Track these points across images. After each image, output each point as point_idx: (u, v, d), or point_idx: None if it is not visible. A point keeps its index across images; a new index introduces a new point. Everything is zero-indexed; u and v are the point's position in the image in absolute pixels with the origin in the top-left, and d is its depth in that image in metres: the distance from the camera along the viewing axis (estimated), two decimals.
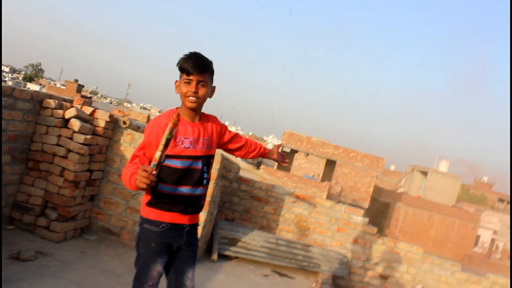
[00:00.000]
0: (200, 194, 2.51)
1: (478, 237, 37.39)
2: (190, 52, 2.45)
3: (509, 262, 37.75)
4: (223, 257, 5.55)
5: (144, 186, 2.10)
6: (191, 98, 2.42)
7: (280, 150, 3.11)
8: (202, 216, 5.02)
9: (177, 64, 2.44)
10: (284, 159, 3.07)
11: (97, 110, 4.96)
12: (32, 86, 70.42)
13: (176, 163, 2.38)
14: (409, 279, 6.53)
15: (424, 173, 40.73)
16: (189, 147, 2.41)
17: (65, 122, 4.66)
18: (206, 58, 2.47)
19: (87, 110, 4.91)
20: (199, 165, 2.46)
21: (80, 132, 4.61)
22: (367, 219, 6.67)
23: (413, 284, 6.52)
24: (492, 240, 39.16)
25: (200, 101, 2.45)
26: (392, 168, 75.09)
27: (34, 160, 4.62)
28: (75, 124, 4.60)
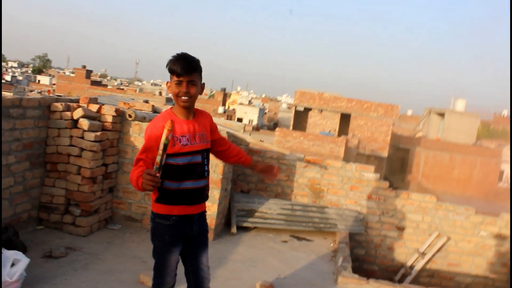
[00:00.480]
0: (203, 185, 2.73)
1: (502, 172, 37.25)
2: (178, 54, 2.59)
3: None
4: (242, 229, 5.81)
5: (151, 188, 2.32)
6: (183, 98, 2.59)
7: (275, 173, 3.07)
8: (216, 193, 5.27)
9: (167, 66, 2.59)
10: (270, 175, 3.06)
11: (103, 106, 5.16)
12: (42, 78, 71.02)
13: (177, 161, 2.57)
14: (425, 227, 6.73)
15: (441, 115, 40.37)
16: (187, 144, 2.59)
17: (75, 122, 4.88)
18: (194, 58, 2.62)
19: (94, 107, 5.12)
20: (198, 159, 2.66)
21: (90, 130, 4.83)
22: (378, 175, 6.84)
23: (429, 232, 6.72)
24: None
25: (192, 100, 2.62)
26: (409, 113, 74.48)
27: (52, 163, 4.88)
28: (84, 123, 4.82)
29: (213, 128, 2.86)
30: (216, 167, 5.25)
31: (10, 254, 3.41)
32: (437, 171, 35.36)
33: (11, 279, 3.23)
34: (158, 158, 2.34)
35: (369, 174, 6.73)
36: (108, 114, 5.11)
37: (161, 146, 2.33)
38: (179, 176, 2.58)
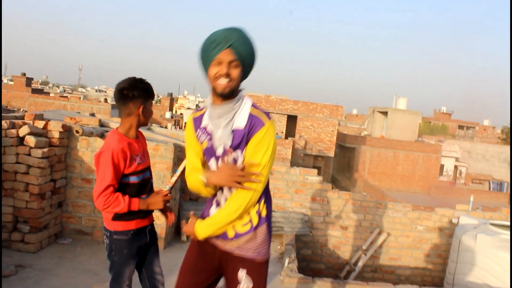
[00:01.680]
0: None
1: (442, 166, 39.13)
2: (141, 79, 2.72)
3: (473, 185, 39.86)
4: None
5: (162, 207, 2.72)
6: (148, 121, 2.83)
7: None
8: None
9: (146, 91, 2.70)
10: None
11: (49, 122, 5.20)
12: None
13: (134, 179, 2.71)
14: (367, 225, 7.14)
15: (385, 113, 41.89)
16: (140, 162, 2.75)
17: (21, 139, 4.89)
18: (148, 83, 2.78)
19: (40, 124, 5.14)
20: (148, 175, 2.84)
21: (36, 147, 4.86)
22: (321, 177, 7.18)
23: (371, 230, 7.14)
24: (456, 167, 41.09)
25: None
26: (355, 112, 76.72)
27: None
28: (30, 140, 4.85)
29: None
30: (164, 178, 5.40)
31: None
32: (382, 168, 36.68)
33: None
34: (173, 179, 2.70)
35: (313, 177, 7.07)
36: (55, 130, 5.16)
37: (180, 170, 2.66)
38: (136, 193, 2.72)
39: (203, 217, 2.40)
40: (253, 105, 2.28)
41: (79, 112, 7.33)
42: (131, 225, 2.74)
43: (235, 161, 2.25)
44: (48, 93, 59.43)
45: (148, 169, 2.85)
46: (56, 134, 5.14)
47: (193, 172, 2.34)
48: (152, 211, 2.88)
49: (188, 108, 69.84)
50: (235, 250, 2.31)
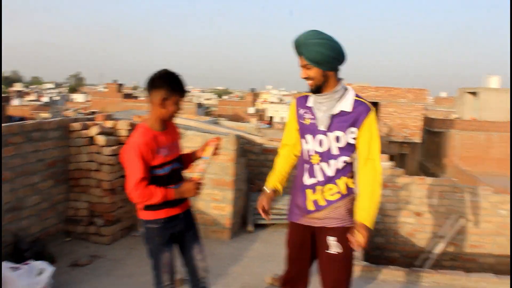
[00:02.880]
0: None
1: None
2: (174, 74, 2.75)
3: None
4: (259, 227, 6.05)
5: (195, 194, 2.80)
6: (175, 115, 2.83)
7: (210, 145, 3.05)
8: (229, 194, 5.53)
9: (168, 84, 2.70)
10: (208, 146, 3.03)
11: (117, 121, 5.52)
12: (77, 96, 73.32)
13: (162, 171, 2.79)
14: (444, 211, 6.80)
15: (475, 94, 39.43)
16: (167, 154, 2.81)
17: (92, 139, 5.24)
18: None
19: (109, 123, 5.48)
20: (177, 165, 2.91)
21: (106, 145, 5.18)
22: (393, 163, 6.94)
23: (448, 215, 6.79)
24: None
25: None
26: (444, 94, 72.97)
27: (74, 178, 5.26)
28: (100, 139, 5.18)
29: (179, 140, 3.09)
30: (227, 169, 5.52)
31: (36, 264, 3.79)
32: (474, 152, 34.57)
33: (38, 286, 3.59)
34: (203, 166, 2.82)
35: (384, 162, 6.85)
36: (123, 129, 5.46)
37: (208, 156, 2.85)
38: (165, 184, 2.79)
39: (295, 186, 2.88)
40: (356, 94, 2.74)
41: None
42: (161, 214, 2.81)
43: (338, 139, 2.69)
44: (137, 97, 62.80)
45: (177, 159, 2.90)
46: (124, 132, 5.44)
47: (283, 147, 2.99)
48: (184, 199, 2.93)
49: (272, 102, 70.43)
50: (326, 223, 2.73)
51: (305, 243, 2.82)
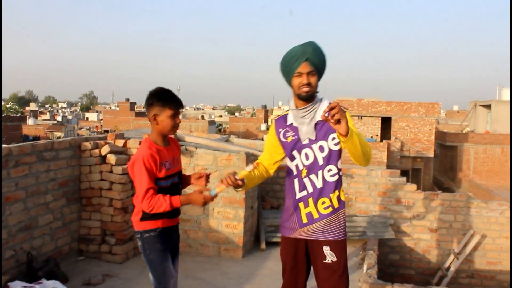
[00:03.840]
0: None
1: None
2: (166, 89, 2.92)
3: None
4: (272, 244, 5.99)
5: (201, 206, 2.86)
6: (176, 129, 2.96)
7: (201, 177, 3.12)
8: (241, 212, 5.50)
9: (157, 99, 2.86)
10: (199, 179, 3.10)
11: (128, 140, 5.55)
12: (90, 115, 74.11)
13: (164, 183, 2.89)
14: (459, 227, 6.68)
15: (488, 106, 39.09)
16: (170, 168, 2.92)
17: (103, 158, 5.27)
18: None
19: (120, 142, 5.51)
20: (176, 179, 3.01)
21: (117, 164, 5.20)
22: (404, 178, 6.86)
23: (463, 231, 6.67)
24: None
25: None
26: (456, 108, 72.47)
27: (86, 197, 5.28)
28: (111, 158, 5.20)
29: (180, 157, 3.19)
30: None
31: (49, 284, 3.80)
32: (489, 166, 34.15)
33: None
34: (222, 187, 2.82)
35: (395, 178, 6.78)
36: (133, 147, 5.49)
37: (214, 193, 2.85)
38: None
39: (286, 202, 3.02)
40: (330, 103, 2.70)
41: None
42: (158, 223, 2.90)
43: (322, 148, 2.80)
44: None
45: (177, 174, 3.01)
46: (134, 151, 5.45)
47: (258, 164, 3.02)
48: (178, 213, 3.02)
49: None
50: (319, 237, 2.83)
51: (299, 255, 2.91)
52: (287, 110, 3.00)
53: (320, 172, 2.81)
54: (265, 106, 76.85)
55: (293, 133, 2.86)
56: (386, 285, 4.59)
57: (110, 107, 79.84)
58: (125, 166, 5.21)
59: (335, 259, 2.82)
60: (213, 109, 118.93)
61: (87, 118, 72.34)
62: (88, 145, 5.26)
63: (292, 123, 2.88)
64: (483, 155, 34.37)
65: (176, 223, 3.07)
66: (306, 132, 2.82)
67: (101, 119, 61.26)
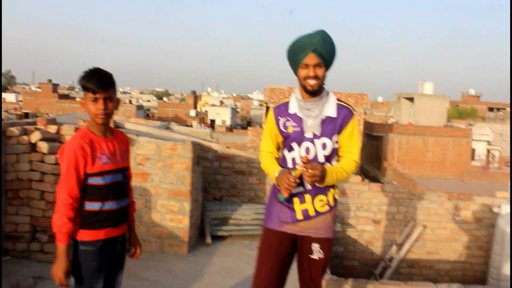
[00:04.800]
0: (126, 205, 2.64)
1: (473, 151, 38.01)
2: (90, 70, 2.45)
3: (507, 169, 38.62)
4: (217, 238, 5.72)
5: (283, 187, 2.56)
6: (100, 115, 2.46)
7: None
8: (187, 205, 5.16)
9: (79, 83, 2.46)
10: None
11: (61, 126, 5.00)
12: (8, 96, 69.43)
13: (98, 180, 2.46)
14: (401, 218, 6.76)
15: (411, 99, 40.94)
16: (107, 162, 2.49)
17: (33, 146, 4.71)
18: (108, 73, 2.49)
19: (52, 128, 4.96)
20: (119, 177, 2.57)
21: (49, 152, 4.67)
22: None
23: (405, 222, 6.76)
24: (488, 151, 39.89)
25: (110, 116, 2.51)
26: (380, 99, 75.57)
27: (13, 190, 4.70)
28: (43, 146, 4.66)
29: (128, 151, 2.75)
30: (184, 178, 5.15)
31: None
32: (411, 156, 35.86)
33: None
34: (298, 172, 2.54)
35: None
36: (68, 134, 4.96)
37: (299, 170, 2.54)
38: (102, 197, 2.47)
39: (276, 194, 2.75)
40: (337, 98, 2.72)
41: None
42: (100, 234, 2.48)
43: (324, 146, 2.67)
44: (74, 98, 60.30)
45: (119, 171, 2.58)
46: (69, 138, 4.93)
47: (266, 155, 2.82)
48: (124, 221, 2.63)
49: (213, 105, 69.97)
50: (312, 233, 2.73)
51: (282, 248, 2.79)
52: (285, 97, 2.83)
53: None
54: (194, 92, 75.77)
55: (295, 124, 2.70)
56: (340, 280, 4.48)
57: (31, 88, 75.28)
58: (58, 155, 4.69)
59: (322, 256, 2.77)
60: (140, 93, 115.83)
61: (4, 99, 67.72)
62: (15, 131, 4.67)
63: (295, 113, 2.71)
64: (406, 145, 36.02)
65: (122, 233, 2.63)
66: (312, 126, 2.68)
67: (21, 101, 57.54)
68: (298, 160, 2.69)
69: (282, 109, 2.77)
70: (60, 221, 2.38)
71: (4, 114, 44.63)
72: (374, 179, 28.65)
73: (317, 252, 2.76)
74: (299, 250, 2.83)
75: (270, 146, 2.84)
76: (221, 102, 76.73)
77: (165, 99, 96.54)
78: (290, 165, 2.73)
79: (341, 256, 6.74)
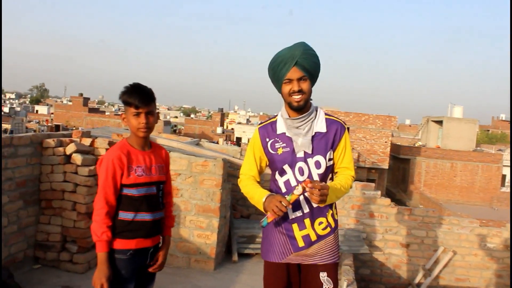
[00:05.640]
0: (159, 218, 2.67)
1: (504, 177, 37.09)
2: (131, 85, 2.53)
3: None
4: (244, 256, 5.71)
5: (271, 209, 2.37)
6: (142, 129, 2.52)
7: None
8: (215, 222, 5.17)
9: (121, 98, 2.53)
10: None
11: (95, 140, 5.11)
12: (40, 108, 71.32)
13: (133, 192, 2.51)
14: (430, 243, 6.62)
15: (439, 122, 40.37)
16: (142, 175, 2.54)
17: (68, 157, 4.81)
18: (148, 88, 2.57)
19: (86, 141, 5.06)
20: (153, 191, 2.60)
21: (83, 165, 4.76)
22: (379, 192, 6.75)
23: (434, 248, 6.61)
24: None
25: (151, 130, 2.59)
26: (408, 122, 74.72)
27: (46, 200, 4.80)
28: (77, 158, 4.75)
29: (168, 165, 2.79)
30: (213, 195, 5.17)
31: None
32: (439, 180, 35.22)
33: None
34: (294, 196, 2.38)
35: (370, 191, 6.65)
36: (101, 148, 5.05)
37: (296, 195, 2.39)
38: (135, 208, 2.53)
39: (273, 223, 2.57)
40: (326, 113, 2.60)
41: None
42: (131, 244, 2.52)
43: (318, 164, 2.51)
44: (103, 112, 61.51)
45: (154, 184, 2.62)
46: (102, 151, 5.02)
47: (249, 179, 2.62)
48: (157, 233, 2.67)
49: (239, 123, 70.36)
50: (317, 261, 2.57)
51: (293, 282, 2.66)
52: (273, 117, 2.65)
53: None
54: (221, 110, 76.40)
55: (284, 144, 2.54)
56: None
57: (62, 101, 77.15)
58: (92, 167, 4.78)
59: (331, 286, 2.58)
60: (168, 109, 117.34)
61: (37, 111, 69.55)
62: (51, 142, 4.79)
63: (284, 133, 2.56)
64: (434, 169, 35.42)
65: (155, 243, 2.66)
66: (302, 144, 2.51)
67: (52, 113, 58.98)
68: (293, 183, 2.52)
69: (269, 130, 2.60)
70: (100, 230, 2.43)
71: (36, 126, 45.78)
72: (399, 202, 28.20)
73: (326, 283, 2.58)
74: (305, 282, 2.65)
75: (253, 170, 2.65)
76: (248, 120, 77.04)
77: (192, 115, 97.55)
78: (284, 189, 2.55)
79: (368, 279, 6.62)
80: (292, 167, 2.53)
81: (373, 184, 6.83)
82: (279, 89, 2.52)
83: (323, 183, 2.40)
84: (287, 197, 2.38)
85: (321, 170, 2.53)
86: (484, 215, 24.83)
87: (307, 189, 2.33)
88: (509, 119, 66.98)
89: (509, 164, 37.21)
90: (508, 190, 37.07)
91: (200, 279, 4.90)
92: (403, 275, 6.66)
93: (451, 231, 6.61)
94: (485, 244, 6.61)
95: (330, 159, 2.56)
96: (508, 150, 41.19)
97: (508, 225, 6.68)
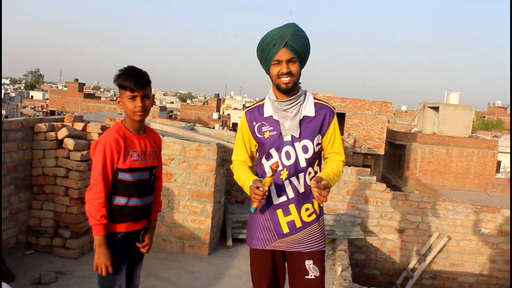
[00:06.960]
0: (149, 202, 2.66)
1: (499, 163, 37.22)
2: (126, 68, 2.47)
3: None
4: (238, 241, 5.68)
5: (250, 194, 2.31)
6: (138, 113, 2.47)
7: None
8: (209, 207, 5.14)
9: (115, 81, 2.47)
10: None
11: (88, 124, 5.04)
12: (35, 93, 70.87)
13: (127, 176, 2.49)
14: (425, 228, 6.62)
15: (436, 108, 40.36)
16: (137, 160, 2.52)
17: (60, 142, 4.75)
18: (144, 71, 2.51)
19: (79, 126, 4.99)
20: (146, 176, 2.58)
21: (75, 149, 4.70)
22: (374, 177, 6.73)
23: (429, 233, 6.62)
24: None
25: (147, 114, 2.54)
26: (404, 108, 74.65)
27: (38, 185, 4.75)
28: (69, 143, 4.69)
29: (160, 150, 2.76)
30: (207, 180, 5.13)
31: None
32: (434, 166, 35.33)
33: None
34: (268, 180, 2.26)
35: (366, 177, 6.62)
36: (94, 132, 4.99)
37: (269, 176, 2.26)
38: (128, 193, 2.50)
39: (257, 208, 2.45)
40: (315, 97, 2.54)
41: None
42: (121, 227, 2.52)
43: (306, 149, 2.45)
44: (99, 98, 61.15)
45: (147, 169, 2.59)
46: (95, 136, 4.96)
47: (239, 165, 2.58)
48: (145, 217, 2.65)
49: (235, 109, 70.19)
50: (302, 248, 2.50)
51: (278, 268, 2.59)
52: (260, 100, 2.59)
53: (301, 175, 2.45)
54: (217, 95, 76.12)
55: (271, 128, 2.47)
56: None
57: (57, 87, 76.68)
58: (84, 152, 4.72)
59: (318, 274, 2.51)
60: (164, 95, 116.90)
61: (32, 96, 69.09)
62: (42, 127, 4.72)
63: (271, 116, 2.48)
64: (429, 155, 35.51)
65: (143, 226, 2.65)
66: (289, 127, 2.44)
67: (47, 99, 58.62)
68: (280, 168, 2.44)
69: (256, 113, 2.54)
70: (99, 214, 2.41)
71: (31, 111, 45.52)
72: (395, 188, 28.27)
73: (312, 271, 2.51)
74: (291, 270, 2.58)
75: (244, 155, 2.59)
76: (244, 106, 76.89)
77: (188, 101, 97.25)
78: (269, 174, 2.39)
79: (362, 265, 6.63)
80: (278, 150, 2.45)
81: (368, 170, 6.81)
82: (268, 71, 2.44)
83: (325, 181, 2.30)
84: (263, 181, 2.29)
85: (309, 155, 2.46)
86: (479, 201, 24.97)
87: (315, 194, 2.26)
88: (505, 106, 67.06)
89: (504, 151, 37.33)
90: (503, 176, 37.25)
91: (194, 264, 4.88)
92: (397, 260, 6.67)
93: (446, 216, 6.61)
94: (480, 229, 6.62)
95: (318, 144, 2.49)
96: (504, 137, 41.30)
97: (503, 210, 6.69)
